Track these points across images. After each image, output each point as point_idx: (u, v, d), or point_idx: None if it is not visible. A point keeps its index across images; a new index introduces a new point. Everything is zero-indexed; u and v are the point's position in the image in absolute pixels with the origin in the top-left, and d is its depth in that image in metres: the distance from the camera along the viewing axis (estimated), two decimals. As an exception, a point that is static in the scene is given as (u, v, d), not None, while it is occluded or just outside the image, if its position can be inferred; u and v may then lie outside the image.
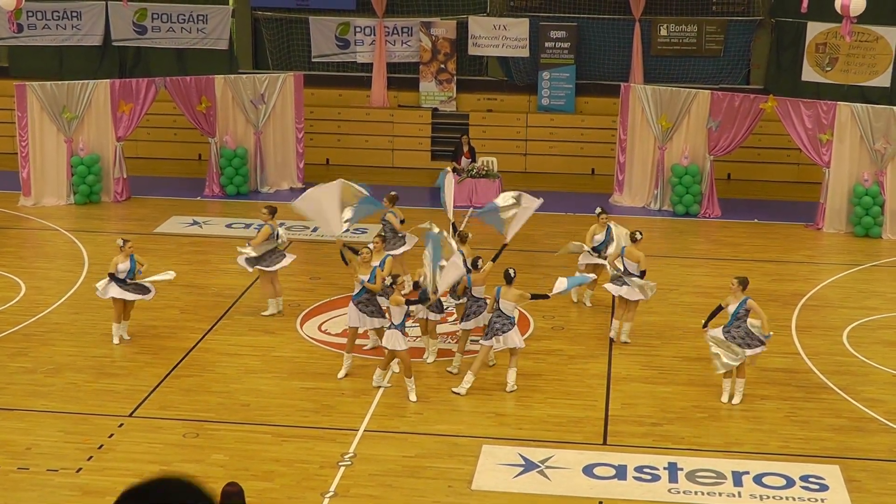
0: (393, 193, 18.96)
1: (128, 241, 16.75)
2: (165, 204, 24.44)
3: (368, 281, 15.75)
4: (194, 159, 27.84)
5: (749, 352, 14.98)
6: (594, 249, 18.21)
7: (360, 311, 15.89)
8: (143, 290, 16.71)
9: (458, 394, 15.28)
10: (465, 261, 16.68)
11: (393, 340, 14.99)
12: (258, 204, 24.68)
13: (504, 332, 15.24)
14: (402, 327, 15.00)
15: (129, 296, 16.58)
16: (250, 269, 17.92)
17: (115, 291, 16.53)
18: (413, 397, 15.11)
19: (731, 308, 15.02)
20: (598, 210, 18.64)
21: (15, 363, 16.17)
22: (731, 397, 15.17)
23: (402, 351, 15.00)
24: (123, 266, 16.46)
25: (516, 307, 15.43)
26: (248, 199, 25.08)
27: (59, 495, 12.64)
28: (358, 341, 16.60)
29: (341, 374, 15.88)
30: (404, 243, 18.52)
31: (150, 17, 29.06)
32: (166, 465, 13.27)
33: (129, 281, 16.52)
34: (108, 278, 16.58)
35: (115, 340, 16.76)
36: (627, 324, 17.04)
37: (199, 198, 24.96)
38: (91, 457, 13.47)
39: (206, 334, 17.36)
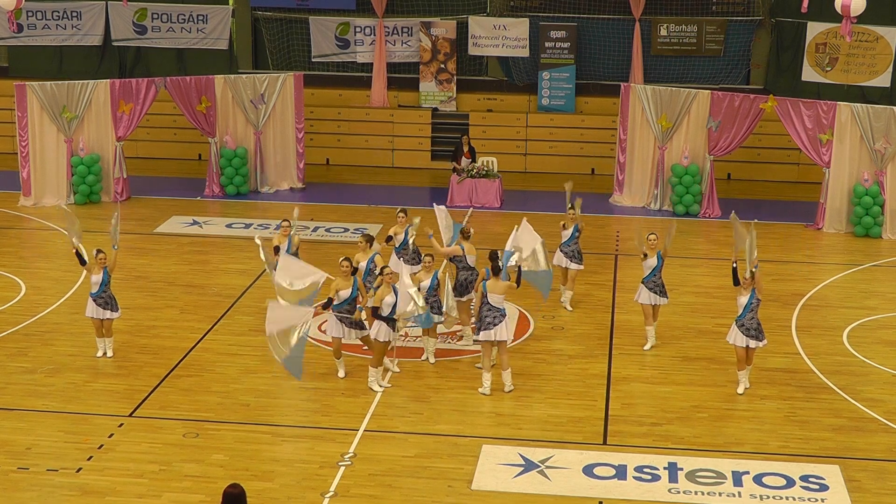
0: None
1: (101, 251, 16.30)
2: (165, 204, 24.44)
3: (351, 294, 15.50)
4: (194, 159, 27.87)
5: (756, 344, 15.27)
6: (564, 245, 18.27)
7: (340, 321, 15.62)
8: (113, 306, 16.26)
9: (485, 394, 15.30)
10: (465, 257, 16.78)
11: (379, 331, 15.12)
12: (258, 204, 24.77)
13: (496, 325, 15.24)
14: (390, 320, 15.12)
15: (102, 313, 16.16)
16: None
17: (89, 310, 16.18)
18: (375, 387, 15.25)
19: (743, 300, 15.16)
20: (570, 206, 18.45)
21: (15, 363, 16.17)
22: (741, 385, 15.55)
23: (380, 342, 15.13)
24: (96, 278, 16.10)
25: (504, 299, 15.42)
26: (247, 199, 25.08)
27: (58, 495, 12.64)
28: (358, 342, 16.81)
29: (341, 373, 15.89)
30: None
31: (150, 17, 29.08)
32: (166, 465, 13.28)
33: (102, 294, 16.14)
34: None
35: (99, 353, 16.42)
36: (651, 327, 17.04)
37: (199, 198, 24.96)
38: (91, 457, 13.47)
39: (206, 334, 17.36)
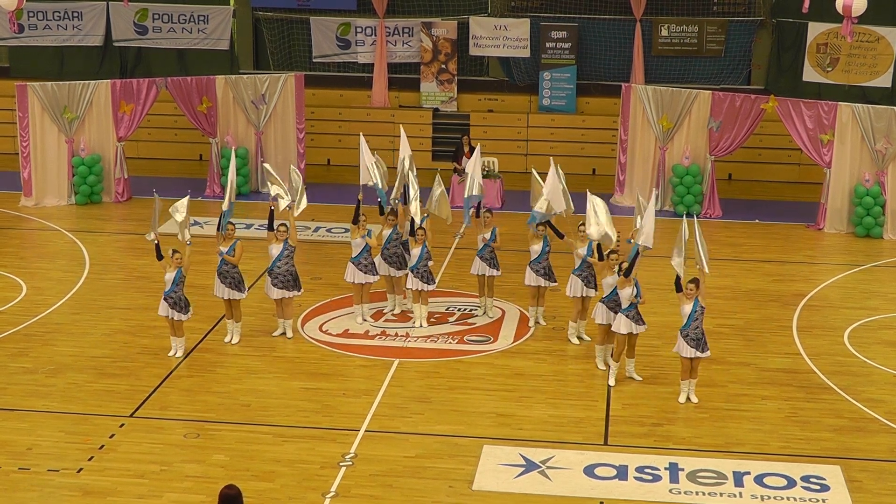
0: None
1: (177, 251, 16.36)
2: (166, 204, 24.37)
3: (227, 253, 16.85)
4: (195, 160, 27.87)
5: (698, 354, 14.99)
6: (534, 263, 17.43)
7: (220, 281, 16.93)
8: (181, 307, 16.30)
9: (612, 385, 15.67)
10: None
11: (620, 323, 15.54)
12: (259, 204, 24.75)
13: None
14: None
15: (171, 313, 16.23)
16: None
17: (161, 308, 16.31)
18: (611, 381, 15.66)
19: (687, 308, 14.96)
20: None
21: (16, 363, 16.19)
22: (688, 398, 15.24)
23: (622, 334, 15.58)
24: (169, 276, 16.22)
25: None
26: (248, 199, 25.07)
27: (59, 496, 12.65)
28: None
29: (229, 338, 16.92)
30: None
31: (150, 18, 29.09)
32: (167, 465, 13.28)
33: (172, 294, 16.20)
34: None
35: (171, 353, 16.51)
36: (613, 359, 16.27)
37: (199, 198, 24.95)
38: (92, 457, 13.48)
39: (206, 335, 17.37)
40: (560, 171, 17.40)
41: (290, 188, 17.63)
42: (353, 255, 17.61)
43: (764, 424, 14.66)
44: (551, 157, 18.65)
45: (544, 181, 17.37)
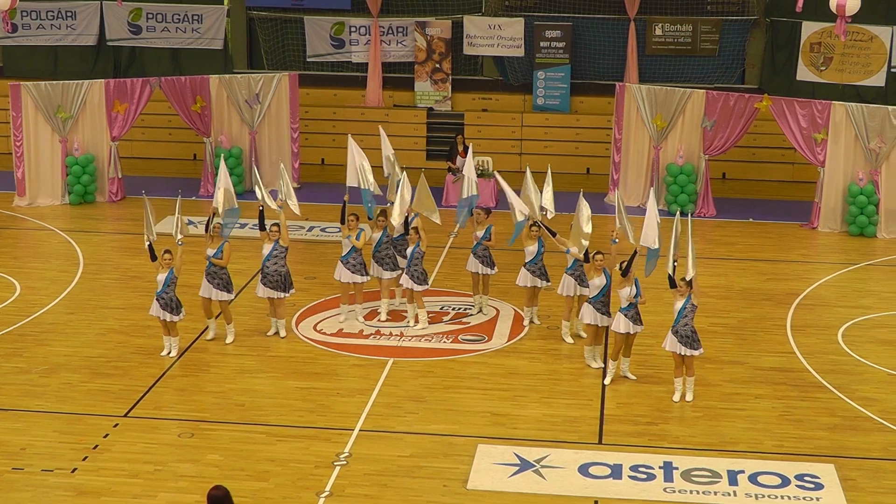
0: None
1: (168, 251, 16.36)
2: (160, 204, 24.29)
3: (214, 256, 16.93)
4: (189, 159, 27.85)
5: (689, 352, 14.99)
6: (529, 264, 17.48)
7: (208, 282, 16.91)
8: (173, 308, 16.32)
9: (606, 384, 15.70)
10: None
11: (619, 323, 15.65)
12: (253, 204, 24.72)
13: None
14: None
15: (162, 314, 16.23)
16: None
17: (153, 308, 16.33)
18: (607, 380, 15.72)
19: (678, 305, 14.95)
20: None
21: (9, 363, 16.16)
22: (682, 396, 15.24)
23: (620, 333, 15.61)
24: (160, 277, 16.23)
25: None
26: (242, 199, 25.00)
27: (53, 496, 12.63)
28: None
29: (213, 335, 17.01)
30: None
31: (144, 17, 29.05)
32: (161, 465, 13.27)
33: (163, 295, 16.21)
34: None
35: (163, 352, 16.51)
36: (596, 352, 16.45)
37: (194, 198, 24.93)
38: (86, 457, 13.46)
39: (200, 334, 17.35)
40: (501, 179, 18.14)
41: (280, 187, 17.64)
42: (342, 255, 17.64)
43: (758, 423, 14.67)
44: (496, 173, 19.40)
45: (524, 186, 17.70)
